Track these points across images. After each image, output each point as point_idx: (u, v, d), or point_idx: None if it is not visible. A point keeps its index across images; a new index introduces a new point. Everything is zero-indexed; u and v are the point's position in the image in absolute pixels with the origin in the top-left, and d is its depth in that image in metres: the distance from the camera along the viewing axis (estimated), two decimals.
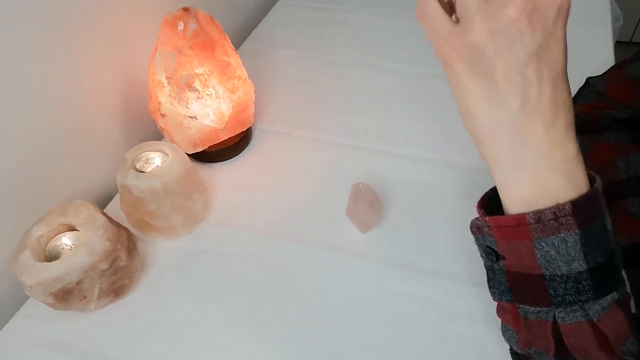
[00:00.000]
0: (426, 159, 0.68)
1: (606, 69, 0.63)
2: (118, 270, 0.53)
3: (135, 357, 0.51)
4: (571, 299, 0.33)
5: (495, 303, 0.39)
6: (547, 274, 0.33)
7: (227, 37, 0.65)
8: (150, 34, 0.64)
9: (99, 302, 0.53)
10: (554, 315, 0.34)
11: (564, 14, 0.31)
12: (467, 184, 0.64)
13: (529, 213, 0.33)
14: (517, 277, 0.35)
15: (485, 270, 0.39)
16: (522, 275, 0.35)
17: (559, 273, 0.33)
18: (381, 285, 0.55)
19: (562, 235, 0.32)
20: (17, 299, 0.56)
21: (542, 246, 0.33)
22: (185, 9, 0.59)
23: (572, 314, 0.34)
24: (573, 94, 0.65)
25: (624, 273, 0.36)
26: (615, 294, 0.34)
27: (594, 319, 0.33)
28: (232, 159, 0.71)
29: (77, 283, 0.50)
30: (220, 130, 0.65)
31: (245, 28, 0.98)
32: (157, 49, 0.61)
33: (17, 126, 0.55)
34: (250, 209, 0.64)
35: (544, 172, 0.32)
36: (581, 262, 0.33)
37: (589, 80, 0.64)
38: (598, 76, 0.63)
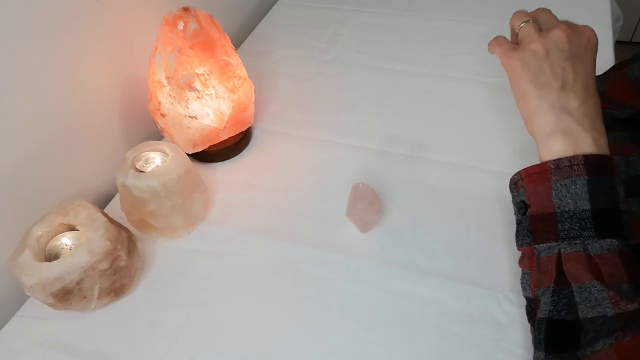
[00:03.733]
0: (426, 159, 0.68)
1: (606, 69, 0.63)
2: (118, 270, 0.52)
3: (135, 356, 0.51)
4: (575, 233, 0.41)
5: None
6: (558, 210, 0.42)
7: (227, 37, 0.65)
8: (150, 34, 0.64)
9: (99, 302, 0.53)
10: (559, 249, 0.41)
11: (593, 45, 0.45)
12: (467, 183, 0.64)
13: (550, 161, 0.43)
14: (536, 219, 0.43)
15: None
16: (540, 216, 0.43)
17: (567, 209, 0.41)
18: (381, 285, 0.55)
19: (573, 178, 0.42)
20: (17, 299, 0.56)
21: (557, 187, 0.42)
22: (185, 9, 0.59)
23: (573, 246, 0.41)
24: None
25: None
26: (615, 241, 0.40)
27: (591, 253, 0.40)
28: (232, 159, 0.71)
29: (77, 283, 0.50)
30: (220, 130, 0.65)
31: (245, 28, 0.98)
32: (157, 48, 0.61)
33: (17, 126, 0.55)
34: (250, 209, 0.64)
35: (575, 133, 0.43)
36: (586, 202, 0.41)
37: None
38: (598, 76, 0.63)
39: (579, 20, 0.47)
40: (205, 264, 0.58)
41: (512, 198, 0.47)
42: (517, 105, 0.47)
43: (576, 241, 0.41)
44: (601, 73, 0.64)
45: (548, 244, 0.42)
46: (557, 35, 0.44)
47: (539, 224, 0.43)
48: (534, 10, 0.49)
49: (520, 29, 0.47)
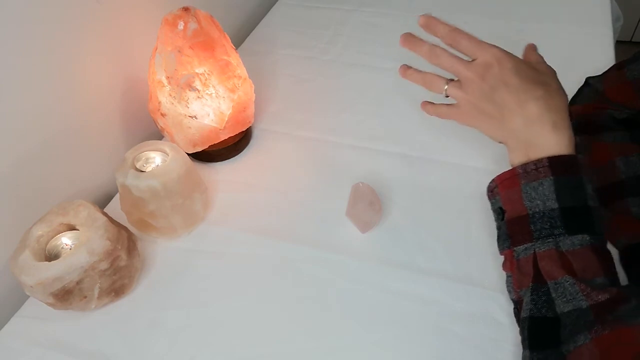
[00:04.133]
0: (426, 159, 0.68)
1: (606, 69, 0.63)
2: (118, 270, 0.52)
3: (135, 356, 0.51)
4: (547, 232, 0.43)
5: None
6: (530, 212, 0.44)
7: (227, 37, 0.65)
8: (150, 34, 0.64)
9: (99, 301, 0.53)
10: (534, 248, 0.43)
11: (504, 61, 0.46)
12: (467, 184, 0.64)
13: (518, 165, 0.45)
14: (513, 222, 0.45)
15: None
16: (515, 220, 0.45)
17: (537, 210, 0.44)
18: (381, 285, 0.55)
19: (540, 180, 0.44)
20: (17, 299, 0.56)
21: (527, 190, 0.44)
22: (185, 9, 0.59)
23: (546, 244, 0.43)
24: (573, 94, 0.65)
25: (623, 273, 0.45)
26: (586, 237, 0.42)
27: (563, 250, 0.42)
28: (232, 158, 0.71)
29: (77, 283, 0.50)
30: (220, 129, 0.65)
31: (245, 28, 0.98)
32: (157, 48, 0.61)
33: (17, 126, 0.55)
34: (250, 209, 0.64)
35: (529, 144, 0.45)
36: (554, 202, 0.43)
37: (588, 81, 0.64)
38: (598, 76, 0.63)
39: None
40: (205, 264, 0.58)
41: (491, 205, 0.49)
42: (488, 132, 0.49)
43: (548, 240, 0.43)
44: (601, 73, 0.64)
45: (525, 245, 0.44)
46: (478, 74, 0.46)
47: (515, 227, 0.45)
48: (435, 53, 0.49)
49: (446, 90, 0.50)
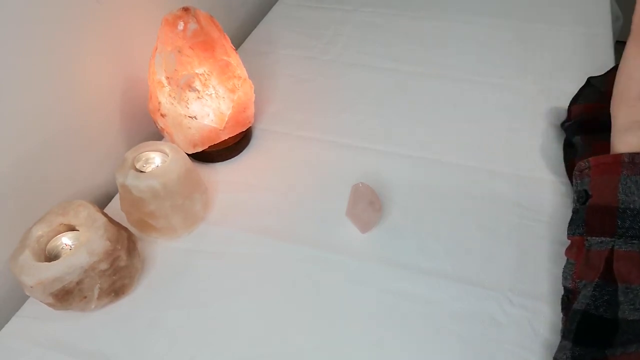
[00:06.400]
0: (426, 159, 0.68)
1: (606, 69, 0.63)
2: (118, 270, 0.52)
3: (135, 356, 0.51)
4: (634, 232, 0.39)
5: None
6: (622, 206, 0.40)
7: (227, 37, 0.65)
8: (150, 34, 0.64)
9: (99, 302, 0.53)
10: (613, 244, 0.40)
11: None
12: (467, 184, 0.64)
13: (626, 153, 0.41)
14: (595, 210, 0.42)
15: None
16: (600, 208, 0.41)
17: (631, 207, 0.40)
18: (381, 285, 0.55)
19: None
20: (17, 299, 0.56)
21: (627, 182, 0.40)
22: (185, 9, 0.59)
23: (629, 245, 0.39)
24: (574, 93, 0.65)
25: None
26: None
27: None
28: (232, 159, 0.71)
29: (77, 283, 0.50)
30: (220, 130, 0.65)
31: (245, 28, 0.98)
32: (157, 48, 0.61)
33: (17, 126, 0.55)
34: (250, 209, 0.64)
35: None
36: None
37: (590, 80, 0.65)
38: (599, 76, 0.63)
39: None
40: (205, 264, 0.58)
41: (574, 185, 0.46)
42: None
43: (634, 241, 0.39)
44: (602, 73, 0.64)
45: (602, 238, 0.41)
46: None
47: (596, 216, 0.42)
48: None
49: None
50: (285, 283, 0.56)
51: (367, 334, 0.51)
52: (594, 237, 0.42)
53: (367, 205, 0.58)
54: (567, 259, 0.45)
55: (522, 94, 0.75)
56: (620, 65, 0.46)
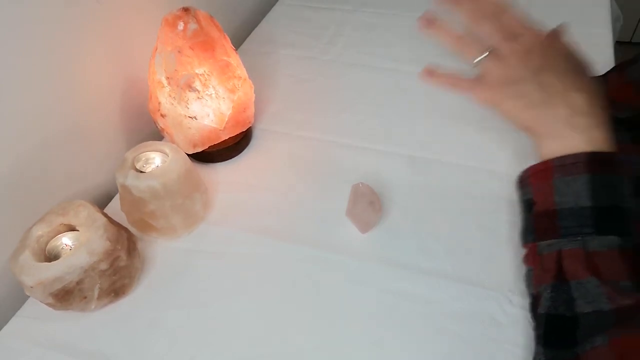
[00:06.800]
0: (426, 159, 0.68)
1: (606, 69, 0.63)
2: (118, 270, 0.52)
3: (135, 356, 0.51)
4: (575, 230, 0.41)
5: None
6: (559, 208, 0.42)
7: (227, 37, 0.65)
8: (150, 34, 0.64)
9: (99, 302, 0.53)
10: (560, 246, 0.42)
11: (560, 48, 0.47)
12: (467, 184, 0.64)
13: (555, 158, 0.43)
14: (540, 215, 0.44)
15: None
16: (543, 213, 0.43)
17: (567, 207, 0.42)
18: (381, 285, 0.55)
19: (574, 175, 0.42)
20: (17, 299, 0.56)
21: (559, 184, 0.42)
22: (185, 9, 0.59)
23: (572, 243, 0.41)
24: None
25: None
26: (616, 239, 0.40)
27: (590, 250, 0.40)
28: (232, 159, 0.71)
29: (77, 283, 0.50)
30: (220, 130, 0.65)
31: (245, 28, 0.98)
32: (157, 49, 0.61)
33: (17, 126, 0.55)
34: (250, 209, 0.64)
35: (568, 135, 0.43)
36: (586, 200, 0.41)
37: None
38: (600, 77, 0.63)
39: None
40: (205, 264, 0.58)
41: (519, 196, 0.47)
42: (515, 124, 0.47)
43: (576, 238, 0.41)
44: (602, 74, 0.64)
45: (549, 241, 0.43)
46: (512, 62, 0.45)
47: (542, 222, 0.44)
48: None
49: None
50: (285, 283, 0.56)
51: (367, 334, 0.51)
52: (543, 242, 0.43)
53: (367, 205, 0.58)
54: (527, 268, 0.46)
55: None
56: None
